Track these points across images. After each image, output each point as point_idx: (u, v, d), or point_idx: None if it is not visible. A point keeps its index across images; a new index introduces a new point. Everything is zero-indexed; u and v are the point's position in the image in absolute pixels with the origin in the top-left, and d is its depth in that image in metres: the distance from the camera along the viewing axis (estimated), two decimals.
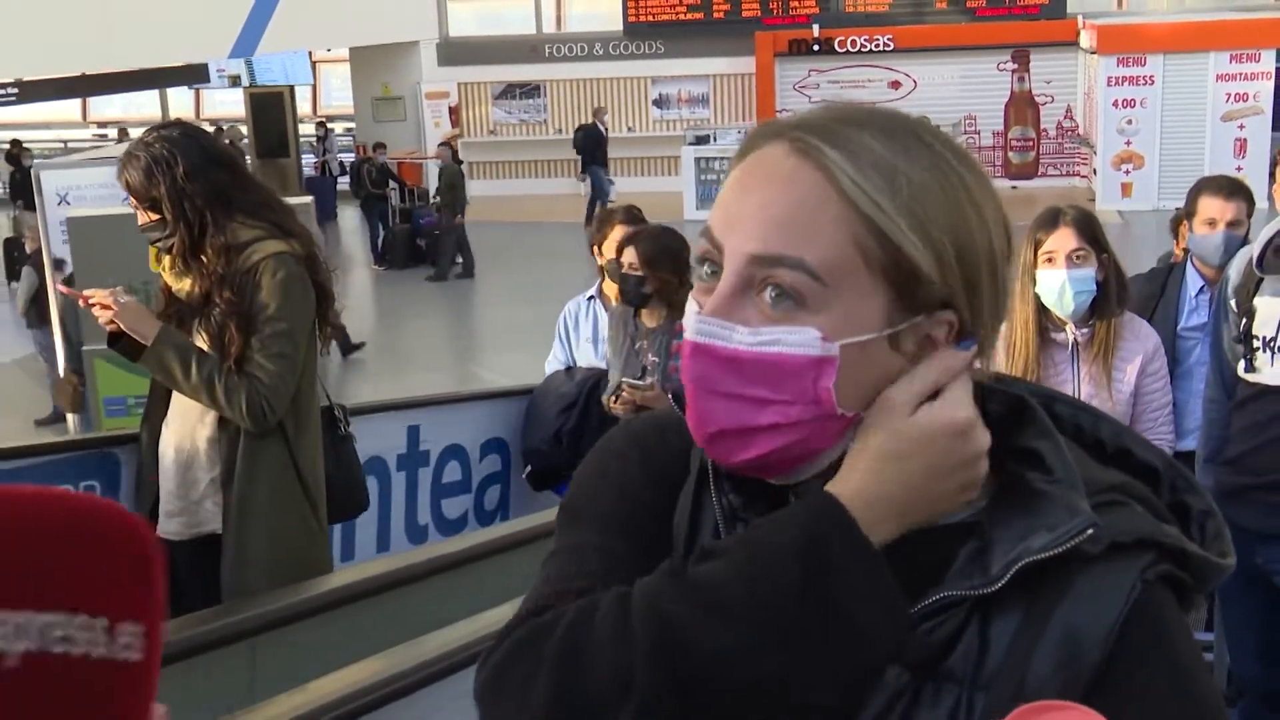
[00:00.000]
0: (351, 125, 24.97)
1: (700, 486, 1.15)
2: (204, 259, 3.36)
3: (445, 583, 3.74)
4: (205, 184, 3.33)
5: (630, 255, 4.46)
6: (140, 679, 0.63)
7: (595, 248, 5.12)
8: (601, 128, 20.33)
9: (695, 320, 1.04)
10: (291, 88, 24.27)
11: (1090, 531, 1.01)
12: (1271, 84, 19.57)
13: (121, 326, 3.37)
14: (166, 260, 3.44)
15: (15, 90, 19.17)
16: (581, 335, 5.15)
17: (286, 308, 3.38)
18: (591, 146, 20.09)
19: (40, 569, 0.56)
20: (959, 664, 1.02)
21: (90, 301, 3.38)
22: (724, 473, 1.13)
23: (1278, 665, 3.78)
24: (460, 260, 17.06)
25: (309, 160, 24.27)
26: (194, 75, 22.42)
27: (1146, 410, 3.83)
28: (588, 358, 5.09)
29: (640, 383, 4.37)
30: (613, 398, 4.44)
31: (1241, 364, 3.64)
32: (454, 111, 22.91)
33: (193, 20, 15.34)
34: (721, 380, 1.03)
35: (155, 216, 3.36)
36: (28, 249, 12.09)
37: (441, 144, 19.51)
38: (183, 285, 3.43)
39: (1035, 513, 1.04)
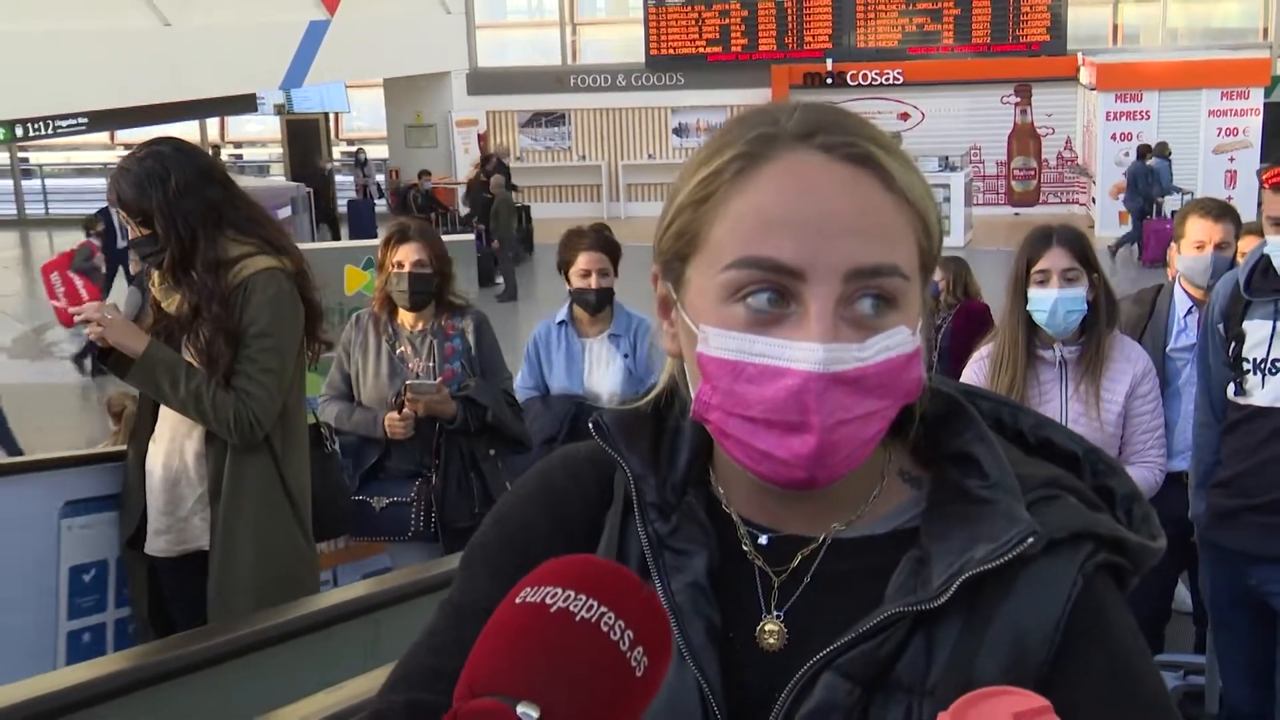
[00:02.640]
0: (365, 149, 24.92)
1: (625, 517, 1.08)
2: (194, 274, 3.19)
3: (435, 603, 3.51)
4: (197, 199, 3.17)
5: (416, 253, 4.21)
6: (634, 690, 0.81)
7: (562, 271, 4.70)
8: None
9: (822, 351, 0.93)
10: (326, 115, 24.19)
11: (1031, 540, 0.97)
12: (1260, 120, 19.69)
13: (110, 342, 3.19)
14: (156, 275, 3.27)
15: (85, 120, 19.27)
16: (553, 360, 4.76)
17: (276, 323, 3.21)
18: None
19: (615, 589, 0.82)
20: (905, 672, 0.98)
21: (79, 318, 3.22)
22: (650, 501, 1.06)
23: (1269, 688, 3.62)
24: (501, 281, 16.98)
25: (340, 182, 24.12)
26: (243, 105, 22.43)
27: (1137, 432, 3.66)
28: (560, 382, 4.72)
29: (426, 383, 4.11)
30: (398, 407, 4.14)
31: (1231, 387, 3.49)
32: (483, 139, 22.86)
33: (247, 54, 15.87)
34: (847, 404, 0.94)
35: (146, 231, 3.19)
36: (132, 270, 12.08)
37: (492, 172, 19.40)
38: (171, 301, 3.26)
39: (975, 521, 0.99)
